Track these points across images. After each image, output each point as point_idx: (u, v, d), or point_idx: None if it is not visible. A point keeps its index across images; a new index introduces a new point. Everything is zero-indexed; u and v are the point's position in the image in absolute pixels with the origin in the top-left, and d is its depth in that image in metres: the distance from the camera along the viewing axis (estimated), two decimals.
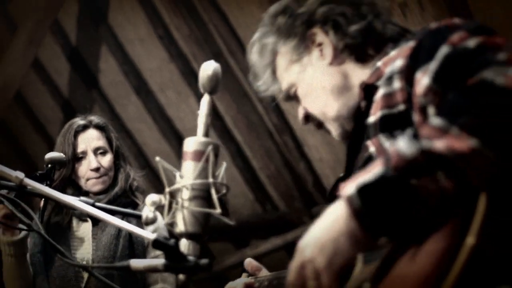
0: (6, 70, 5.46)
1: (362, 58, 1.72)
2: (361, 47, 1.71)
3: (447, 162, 1.17)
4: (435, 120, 1.22)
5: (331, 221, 1.29)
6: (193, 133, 5.57)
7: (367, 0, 1.76)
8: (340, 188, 1.29)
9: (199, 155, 1.60)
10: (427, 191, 1.18)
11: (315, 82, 1.74)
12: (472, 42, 1.32)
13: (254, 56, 1.85)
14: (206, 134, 1.64)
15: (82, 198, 1.78)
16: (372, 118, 1.57)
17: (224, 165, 1.66)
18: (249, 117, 5.52)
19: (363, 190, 1.23)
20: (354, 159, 1.66)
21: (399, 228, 1.23)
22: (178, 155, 6.17)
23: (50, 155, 2.81)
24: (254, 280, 2.12)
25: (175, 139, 6.10)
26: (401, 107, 1.47)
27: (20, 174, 1.69)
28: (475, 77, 1.23)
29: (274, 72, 1.83)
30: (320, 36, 1.72)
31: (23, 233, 2.84)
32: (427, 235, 1.22)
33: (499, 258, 1.15)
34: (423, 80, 1.37)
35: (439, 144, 1.18)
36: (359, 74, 1.71)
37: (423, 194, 1.19)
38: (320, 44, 1.73)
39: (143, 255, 2.92)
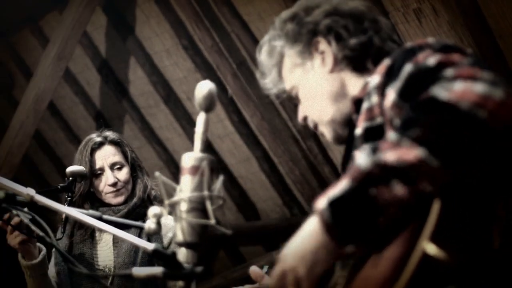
0: (38, 84, 5.62)
1: (360, 69, 1.82)
2: (359, 59, 1.82)
3: (399, 172, 1.27)
4: (391, 135, 1.32)
5: (309, 234, 1.39)
6: (220, 140, 5.76)
7: (370, 16, 1.87)
8: (315, 202, 1.39)
9: (195, 169, 1.69)
10: (385, 200, 1.28)
11: (314, 86, 1.85)
12: (432, 60, 1.41)
13: (263, 56, 1.97)
14: (203, 150, 1.75)
15: (90, 211, 1.90)
16: (358, 130, 1.67)
17: (220, 178, 1.76)
18: (274, 123, 5.62)
19: (332, 205, 1.33)
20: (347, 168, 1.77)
21: (367, 236, 1.32)
22: None
23: (71, 168, 2.98)
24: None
25: (204, 146, 6.21)
26: (379, 119, 1.58)
27: (31, 191, 1.81)
28: (425, 93, 1.33)
29: (280, 72, 1.95)
30: (323, 44, 1.84)
31: (42, 255, 2.98)
32: (390, 242, 1.32)
33: (450, 261, 1.25)
34: (390, 95, 1.48)
35: (390, 156, 1.28)
36: (355, 84, 1.82)
37: (382, 204, 1.28)
38: (322, 52, 1.84)
39: None
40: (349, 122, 1.80)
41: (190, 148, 6.20)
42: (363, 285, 1.33)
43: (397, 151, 1.28)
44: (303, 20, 1.86)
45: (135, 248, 3.04)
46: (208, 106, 1.77)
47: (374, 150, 1.32)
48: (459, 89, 1.29)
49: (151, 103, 6.34)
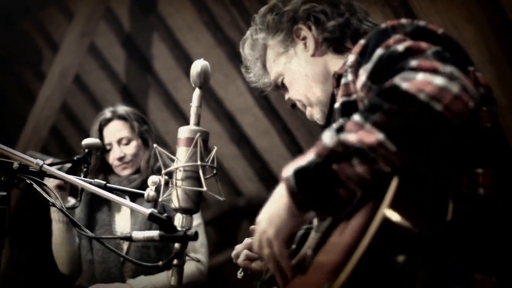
0: (63, 59, 5.77)
1: (340, 50, 1.94)
2: (339, 41, 1.93)
3: (359, 152, 1.39)
4: (355, 117, 1.44)
5: (276, 199, 1.54)
6: (242, 113, 5.83)
7: (345, 0, 1.98)
8: (283, 169, 1.52)
9: (189, 141, 1.81)
10: (345, 175, 1.40)
11: (299, 71, 1.96)
12: (401, 46, 1.52)
13: (246, 50, 2.08)
14: (197, 123, 1.86)
15: (96, 180, 2.05)
16: (336, 104, 1.79)
17: (214, 149, 1.89)
18: None
19: (297, 173, 1.46)
20: None
21: (327, 205, 1.45)
22: (229, 134, 6.44)
23: (86, 141, 3.13)
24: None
25: (226, 119, 6.32)
26: (354, 96, 1.69)
27: (39, 161, 1.97)
28: (389, 80, 1.43)
29: (263, 65, 2.06)
30: (304, 31, 1.95)
31: (73, 202, 3.18)
32: (355, 212, 1.45)
33: (406, 230, 1.36)
34: (361, 76, 1.60)
35: (352, 137, 1.40)
36: (337, 64, 1.93)
37: (342, 178, 1.41)
38: (304, 38, 1.96)
39: None
40: (332, 100, 1.91)
41: (212, 120, 6.33)
42: (330, 250, 1.45)
43: (359, 133, 1.40)
44: (282, 10, 1.98)
45: None
46: (202, 82, 1.88)
47: (339, 130, 1.44)
48: (419, 80, 1.39)
49: (174, 77, 6.45)
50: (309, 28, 1.95)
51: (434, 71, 1.40)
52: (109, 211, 3.35)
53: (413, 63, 1.45)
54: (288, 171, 1.49)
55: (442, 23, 4.36)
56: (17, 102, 7.72)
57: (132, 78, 6.76)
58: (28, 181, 2.08)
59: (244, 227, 6.95)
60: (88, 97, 7.18)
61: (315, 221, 1.73)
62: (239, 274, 2.34)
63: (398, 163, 1.38)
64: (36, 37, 7.00)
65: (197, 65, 1.89)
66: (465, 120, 1.38)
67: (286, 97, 2.05)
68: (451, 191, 1.47)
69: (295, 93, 2.00)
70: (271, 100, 5.95)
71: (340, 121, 1.50)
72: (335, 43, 1.94)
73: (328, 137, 1.44)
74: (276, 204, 1.54)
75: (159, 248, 3.21)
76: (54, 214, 3.22)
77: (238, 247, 2.19)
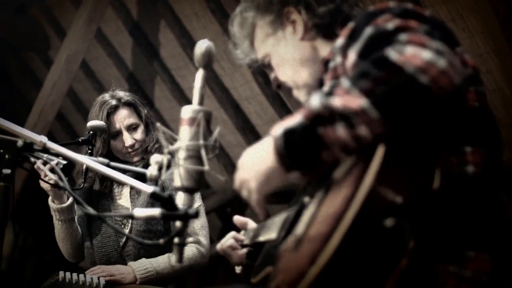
0: (70, 45, 5.78)
1: (330, 36, 1.94)
2: (328, 26, 1.94)
3: (343, 116, 1.41)
4: (343, 82, 1.46)
5: (263, 155, 1.58)
6: (247, 101, 5.87)
7: None
8: (272, 128, 1.55)
9: (192, 121, 1.82)
10: (329, 139, 1.43)
11: (287, 54, 1.97)
12: (390, 25, 1.54)
13: (235, 27, 2.08)
14: (201, 103, 1.86)
15: (99, 158, 2.06)
16: (324, 88, 1.81)
17: (217, 129, 1.90)
18: None
19: (285, 134, 1.49)
20: None
21: (311, 167, 1.49)
22: (234, 123, 6.45)
23: (91, 123, 3.16)
24: (242, 233, 2.40)
25: (232, 107, 6.34)
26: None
27: (44, 138, 1.98)
28: (380, 51, 1.46)
29: (251, 43, 2.07)
30: (293, 14, 1.96)
31: (70, 200, 3.19)
32: (344, 182, 1.47)
33: (393, 198, 1.39)
34: (351, 56, 1.61)
35: (337, 101, 1.43)
36: (325, 49, 1.94)
37: (327, 141, 1.44)
38: (293, 21, 1.96)
39: None
40: (320, 85, 1.92)
41: (218, 108, 6.37)
42: (320, 221, 1.47)
43: (345, 98, 1.42)
44: None
45: (151, 201, 3.22)
46: (206, 62, 1.88)
47: (327, 94, 1.46)
48: (408, 53, 1.41)
49: (181, 65, 6.47)
50: (299, 12, 1.96)
51: (423, 45, 1.43)
52: (109, 198, 3.37)
53: (403, 37, 1.48)
54: (277, 130, 1.52)
55: (448, 13, 4.37)
56: (24, 88, 7.75)
57: (138, 66, 6.78)
58: (32, 159, 2.09)
59: (247, 214, 6.96)
60: (94, 84, 7.21)
61: (307, 199, 1.76)
62: (238, 269, 2.38)
63: (380, 130, 1.40)
64: (44, 23, 7.03)
65: (201, 45, 1.89)
66: (450, 95, 1.40)
67: (272, 76, 2.05)
68: (439, 165, 1.49)
69: (282, 75, 2.01)
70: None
71: (330, 83, 1.52)
72: (324, 28, 1.95)
73: (315, 100, 1.47)
74: (262, 159, 1.58)
75: (160, 234, 3.23)
76: (54, 213, 3.23)
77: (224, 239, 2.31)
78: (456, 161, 1.56)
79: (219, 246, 2.38)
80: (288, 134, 1.49)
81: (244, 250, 2.36)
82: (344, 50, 1.68)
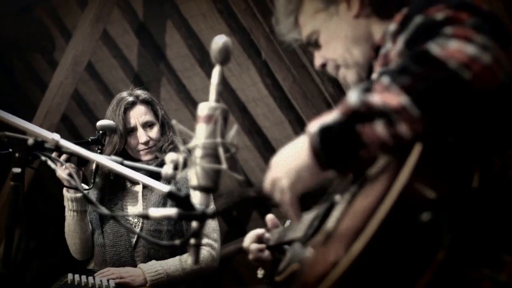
0: (77, 45, 5.76)
1: (385, 16, 1.86)
2: (384, 5, 1.86)
3: (382, 114, 1.36)
4: (383, 77, 1.41)
5: (298, 152, 1.51)
6: (255, 103, 5.83)
7: None
8: (309, 124, 1.50)
9: (209, 118, 1.79)
10: (367, 137, 1.38)
11: (339, 30, 1.87)
12: (440, 15, 1.48)
13: (281, 1, 2.01)
14: (218, 100, 1.82)
15: (112, 157, 2.00)
16: (374, 75, 1.75)
17: (234, 127, 1.85)
18: (306, 86, 5.68)
19: (322, 131, 1.44)
20: None
21: (348, 165, 1.44)
22: (241, 124, 6.41)
23: (101, 122, 3.12)
24: (269, 232, 2.32)
25: (239, 109, 6.31)
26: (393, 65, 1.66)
27: (56, 136, 1.92)
28: (422, 45, 1.40)
29: (296, 19, 1.99)
30: None
31: (83, 196, 3.15)
32: (379, 178, 1.42)
33: (429, 194, 1.33)
34: (398, 44, 1.56)
35: (377, 98, 1.37)
36: (379, 30, 1.86)
37: (365, 139, 1.38)
38: None
39: None
40: (370, 68, 1.86)
41: None
42: (354, 215, 1.43)
43: (384, 95, 1.37)
44: None
45: (163, 201, 3.18)
46: (223, 59, 1.84)
47: (366, 90, 1.41)
48: (452, 47, 1.36)
49: (187, 66, 6.43)
50: None
51: (468, 40, 1.37)
52: (122, 198, 3.32)
53: (448, 30, 1.42)
54: (313, 127, 1.47)
55: None
56: (28, 89, 7.71)
57: (144, 67, 6.75)
58: (43, 158, 2.04)
59: (254, 218, 6.93)
60: (100, 85, 7.17)
61: (337, 197, 1.70)
62: (260, 273, 2.31)
63: (420, 128, 1.35)
64: (49, 23, 6.99)
65: (219, 41, 1.85)
66: (493, 91, 1.35)
67: (317, 56, 1.97)
68: (479, 166, 1.43)
69: (331, 52, 1.92)
70: (285, 90, 5.92)
71: (368, 81, 1.47)
72: (381, 6, 1.87)
73: (353, 97, 1.42)
74: (296, 156, 1.52)
75: (170, 234, 3.18)
76: (68, 203, 3.20)
77: (248, 239, 2.19)
78: (499, 163, 1.50)
79: (245, 245, 2.27)
80: (325, 130, 1.43)
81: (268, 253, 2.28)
82: (395, 37, 1.63)
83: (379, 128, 1.37)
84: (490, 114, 1.39)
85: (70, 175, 2.96)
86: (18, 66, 7.58)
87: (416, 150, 1.35)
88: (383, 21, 1.85)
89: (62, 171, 2.98)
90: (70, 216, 3.23)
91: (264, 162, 6.46)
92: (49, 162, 2.08)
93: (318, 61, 1.96)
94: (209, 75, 6.28)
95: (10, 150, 2.00)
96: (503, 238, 1.46)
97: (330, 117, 1.44)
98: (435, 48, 1.37)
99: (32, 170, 2.82)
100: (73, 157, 2.92)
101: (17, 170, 1.98)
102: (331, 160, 1.44)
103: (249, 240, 2.21)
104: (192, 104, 6.58)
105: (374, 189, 1.41)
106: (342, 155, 1.42)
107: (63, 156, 2.82)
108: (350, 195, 1.57)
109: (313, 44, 1.95)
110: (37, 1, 6.62)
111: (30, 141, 1.99)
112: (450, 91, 1.34)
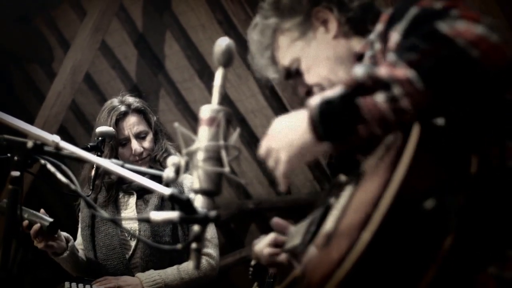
0: (75, 55, 5.75)
1: (362, 31, 1.88)
2: (360, 21, 1.88)
3: (387, 85, 1.37)
4: (390, 55, 1.42)
5: (296, 123, 1.52)
6: (253, 114, 5.79)
7: None
8: (310, 99, 1.50)
9: (212, 121, 1.76)
10: (368, 111, 1.38)
11: (320, 53, 1.89)
12: (438, 4, 1.49)
13: (255, 37, 2.00)
14: (220, 103, 1.79)
15: (113, 160, 1.97)
16: None
17: (237, 131, 1.83)
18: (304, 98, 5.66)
19: (322, 104, 1.44)
20: None
21: (345, 139, 1.43)
22: (240, 136, 6.38)
23: (100, 129, 3.07)
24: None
25: (237, 121, 6.28)
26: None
27: (56, 138, 1.89)
28: (430, 26, 1.41)
29: (272, 54, 1.99)
30: (325, 13, 1.89)
31: (70, 247, 3.07)
32: (376, 169, 1.42)
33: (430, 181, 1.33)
34: (394, 36, 1.56)
35: (383, 71, 1.38)
36: (359, 44, 1.87)
37: (364, 113, 1.38)
38: (324, 21, 1.90)
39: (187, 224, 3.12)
40: None
41: None
42: (356, 209, 1.42)
43: (391, 68, 1.38)
44: None
45: (159, 211, 3.12)
46: (227, 61, 1.82)
47: (372, 65, 1.40)
48: (460, 27, 1.37)
49: (186, 77, 6.42)
50: (330, 10, 1.89)
51: (476, 20, 1.39)
52: (115, 209, 3.26)
53: (455, 12, 1.44)
54: (315, 100, 1.47)
55: None
56: (26, 99, 7.69)
57: (143, 78, 6.73)
58: (43, 162, 2.01)
59: (252, 230, 6.89)
60: (98, 96, 7.16)
61: (332, 200, 1.68)
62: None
63: (423, 104, 1.36)
64: (48, 34, 6.98)
65: (222, 43, 1.83)
66: (502, 70, 1.36)
67: (300, 84, 1.96)
68: (478, 152, 1.42)
69: (314, 77, 1.92)
70: (284, 101, 5.91)
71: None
72: (358, 23, 1.89)
73: (360, 70, 1.43)
74: (295, 129, 1.53)
75: (171, 244, 3.13)
76: (59, 262, 3.16)
77: (261, 244, 2.11)
78: (497, 154, 1.48)
79: (258, 251, 2.19)
80: (325, 103, 1.44)
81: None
82: (384, 36, 1.63)
83: (381, 101, 1.37)
84: (493, 99, 1.41)
85: (46, 246, 2.94)
86: (16, 76, 7.56)
87: (414, 136, 1.35)
88: (361, 36, 1.88)
89: (38, 243, 2.93)
90: (63, 266, 3.19)
91: (262, 174, 6.43)
92: (49, 166, 2.05)
93: (302, 90, 1.97)
94: (208, 87, 6.27)
95: (9, 155, 1.97)
96: (505, 232, 1.44)
97: (333, 91, 1.45)
98: (443, 26, 1.38)
99: (30, 178, 2.80)
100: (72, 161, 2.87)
101: (16, 173, 1.95)
102: (328, 131, 1.45)
103: (262, 245, 2.14)
104: (190, 115, 6.56)
105: (374, 182, 1.40)
106: (339, 126, 1.42)
107: (34, 226, 2.86)
108: (348, 192, 1.55)
109: (294, 74, 1.95)
110: (35, 11, 6.62)
111: (30, 144, 1.96)
112: (457, 68, 1.35)
